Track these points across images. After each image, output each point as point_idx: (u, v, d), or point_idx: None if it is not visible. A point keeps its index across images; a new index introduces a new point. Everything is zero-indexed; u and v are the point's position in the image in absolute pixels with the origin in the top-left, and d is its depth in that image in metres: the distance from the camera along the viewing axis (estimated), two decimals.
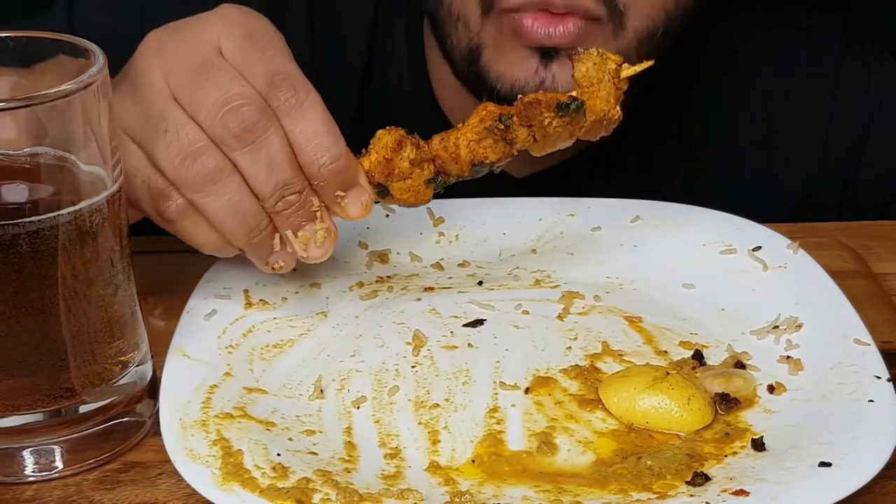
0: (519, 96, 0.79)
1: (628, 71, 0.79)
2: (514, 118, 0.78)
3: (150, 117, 0.74)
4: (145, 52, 0.76)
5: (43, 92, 0.64)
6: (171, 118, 0.73)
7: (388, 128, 0.78)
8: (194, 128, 0.73)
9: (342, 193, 0.76)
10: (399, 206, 0.80)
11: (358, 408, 0.75)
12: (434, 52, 1.07)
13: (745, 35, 1.14)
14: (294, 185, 0.74)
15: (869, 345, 0.76)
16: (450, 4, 0.99)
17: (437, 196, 0.81)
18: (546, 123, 0.78)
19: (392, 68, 1.12)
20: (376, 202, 0.78)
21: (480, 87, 1.00)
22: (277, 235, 0.76)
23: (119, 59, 0.76)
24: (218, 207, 0.74)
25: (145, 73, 0.75)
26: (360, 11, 1.12)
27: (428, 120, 1.12)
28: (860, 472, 0.66)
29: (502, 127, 0.78)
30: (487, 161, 0.78)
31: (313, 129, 0.74)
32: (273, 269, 0.78)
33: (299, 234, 0.76)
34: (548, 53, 0.95)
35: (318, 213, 0.76)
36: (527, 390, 0.76)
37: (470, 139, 0.78)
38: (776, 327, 0.81)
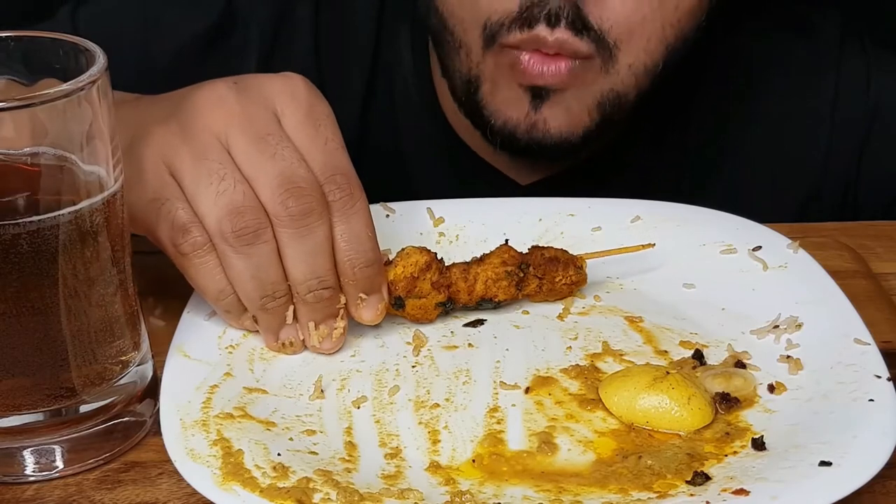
0: (541, 252, 0.84)
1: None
2: (531, 268, 0.84)
3: (206, 161, 0.74)
4: (204, 99, 0.76)
5: (43, 92, 0.64)
6: (229, 171, 0.74)
7: (419, 248, 0.81)
8: (250, 188, 0.74)
9: (364, 296, 0.78)
10: (404, 318, 0.82)
11: (358, 407, 0.75)
12: (438, 63, 1.07)
13: (747, 37, 1.14)
14: (328, 280, 0.76)
15: (869, 344, 0.76)
16: (452, 30, 0.99)
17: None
18: (557, 280, 0.84)
19: (397, 77, 1.12)
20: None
21: (476, 118, 1.01)
22: (291, 308, 0.77)
23: (121, 63, 0.76)
24: (244, 267, 0.74)
25: (202, 118, 0.75)
26: (365, 19, 1.12)
27: (432, 129, 1.11)
28: (860, 471, 0.66)
29: (521, 275, 0.83)
30: (496, 299, 0.83)
31: (358, 232, 0.76)
32: (283, 345, 0.79)
33: (320, 327, 0.78)
34: (539, 94, 0.96)
35: (341, 311, 0.78)
36: (527, 390, 0.76)
37: (488, 276, 0.83)
38: (776, 327, 0.81)
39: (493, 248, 0.84)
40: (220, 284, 0.76)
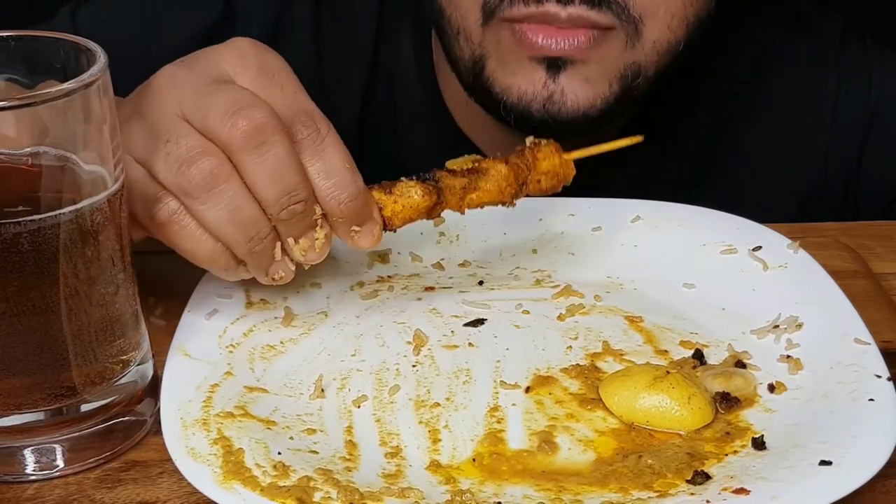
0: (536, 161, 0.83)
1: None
2: (527, 185, 0.83)
3: (155, 132, 0.73)
4: (158, 84, 0.75)
5: (44, 91, 0.64)
6: (174, 130, 0.72)
7: (423, 187, 0.79)
8: (196, 137, 0.72)
9: (357, 228, 0.76)
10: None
11: (359, 407, 0.75)
12: (442, 59, 1.06)
13: (748, 35, 1.14)
14: (299, 193, 0.73)
15: (869, 344, 0.77)
16: (449, 17, 0.99)
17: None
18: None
19: (398, 75, 1.12)
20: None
21: (487, 99, 1.00)
22: (278, 244, 0.75)
23: (121, 63, 0.76)
24: (217, 214, 0.72)
25: (156, 100, 0.74)
26: (365, 18, 1.12)
27: (435, 127, 1.11)
28: (860, 470, 0.66)
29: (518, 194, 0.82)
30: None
31: (334, 165, 0.73)
32: (273, 279, 0.77)
33: (300, 240, 0.75)
34: (555, 64, 0.95)
35: (319, 221, 0.75)
36: (527, 389, 0.76)
37: (483, 201, 0.81)
38: (776, 327, 0.81)
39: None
40: (209, 244, 0.74)
